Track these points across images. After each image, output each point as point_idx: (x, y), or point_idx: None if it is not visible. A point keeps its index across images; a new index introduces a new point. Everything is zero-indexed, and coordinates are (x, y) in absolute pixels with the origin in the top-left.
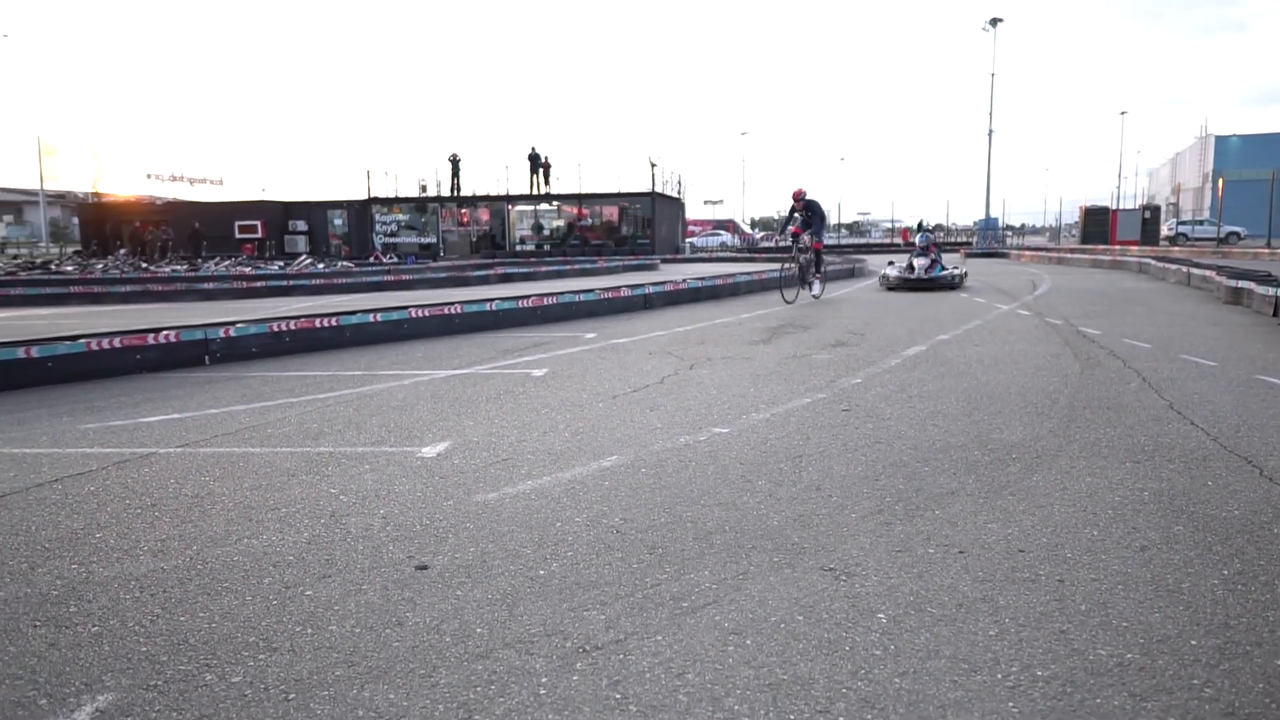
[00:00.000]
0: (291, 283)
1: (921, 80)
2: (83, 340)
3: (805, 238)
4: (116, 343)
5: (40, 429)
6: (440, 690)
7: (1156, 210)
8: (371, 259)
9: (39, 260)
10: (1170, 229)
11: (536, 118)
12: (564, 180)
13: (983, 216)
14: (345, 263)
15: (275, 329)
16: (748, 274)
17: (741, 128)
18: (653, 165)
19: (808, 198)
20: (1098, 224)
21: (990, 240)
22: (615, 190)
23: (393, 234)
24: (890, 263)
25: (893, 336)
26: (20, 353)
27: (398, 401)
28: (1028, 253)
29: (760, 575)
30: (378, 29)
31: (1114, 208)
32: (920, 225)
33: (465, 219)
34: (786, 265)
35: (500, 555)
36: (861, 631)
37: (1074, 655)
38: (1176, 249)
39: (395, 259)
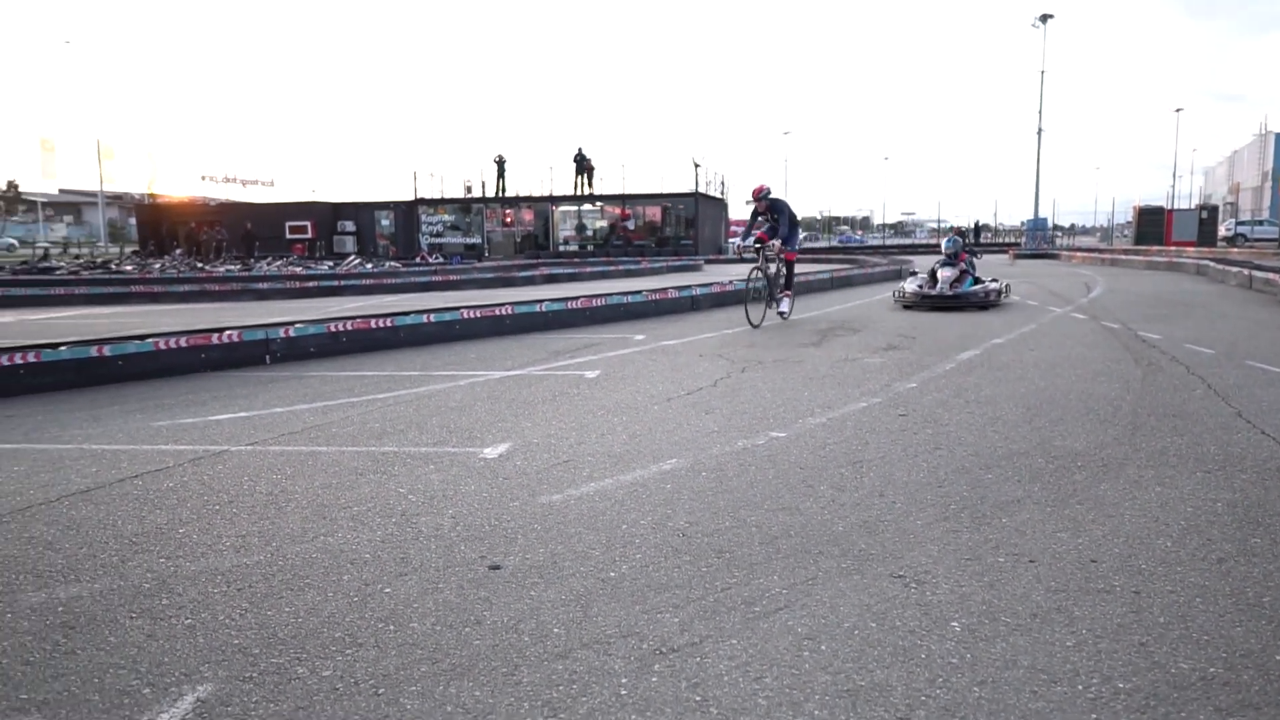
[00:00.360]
0: (342, 283)
1: (969, 78)
2: (151, 340)
3: (776, 244)
4: (183, 342)
5: (116, 426)
6: (523, 688)
7: (1214, 210)
8: (418, 259)
9: (99, 260)
10: (1228, 229)
11: (581, 119)
12: (608, 181)
13: (1031, 216)
14: (393, 263)
15: (333, 329)
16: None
17: (784, 127)
18: (696, 166)
19: (771, 197)
20: (1152, 224)
21: (1039, 241)
22: (658, 191)
23: (438, 234)
24: (912, 273)
25: (944, 340)
26: (93, 351)
27: (455, 402)
28: (1079, 254)
29: (829, 581)
30: (427, 33)
31: (1169, 207)
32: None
33: (510, 219)
34: (754, 276)
35: (570, 556)
36: (936, 640)
37: (1155, 668)
38: (1235, 250)
39: (441, 259)
